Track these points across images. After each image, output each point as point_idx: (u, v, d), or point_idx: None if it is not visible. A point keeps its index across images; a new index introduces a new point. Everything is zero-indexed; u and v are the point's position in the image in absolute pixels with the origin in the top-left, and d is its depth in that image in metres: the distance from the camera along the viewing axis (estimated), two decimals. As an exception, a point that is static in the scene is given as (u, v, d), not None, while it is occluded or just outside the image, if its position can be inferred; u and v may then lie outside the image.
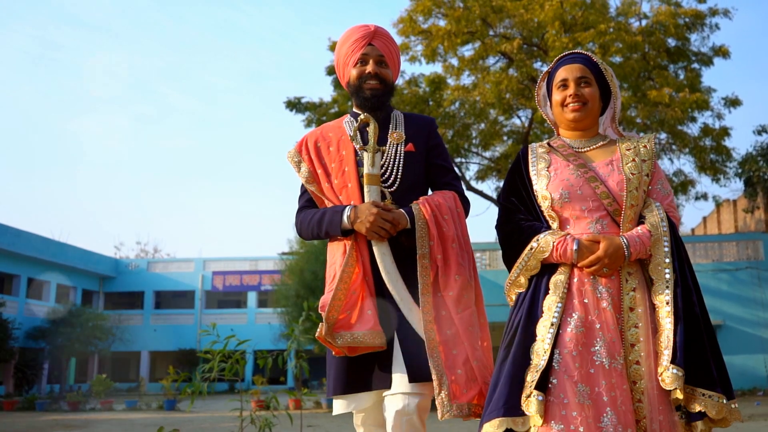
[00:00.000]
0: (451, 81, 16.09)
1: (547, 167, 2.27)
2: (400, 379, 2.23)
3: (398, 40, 15.80)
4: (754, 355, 19.15)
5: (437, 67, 16.17)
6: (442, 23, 15.44)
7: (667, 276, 2.05)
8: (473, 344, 2.24)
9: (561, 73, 2.32)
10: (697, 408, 1.95)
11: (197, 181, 66.80)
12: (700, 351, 2.00)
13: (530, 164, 2.32)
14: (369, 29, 2.48)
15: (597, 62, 2.34)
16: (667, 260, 2.08)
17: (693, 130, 15.17)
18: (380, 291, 2.33)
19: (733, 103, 15.05)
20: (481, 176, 17.92)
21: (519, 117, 17.15)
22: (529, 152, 2.37)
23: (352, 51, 2.47)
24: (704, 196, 17.15)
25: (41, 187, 63.58)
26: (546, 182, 2.24)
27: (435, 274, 2.29)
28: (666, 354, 1.96)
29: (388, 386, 2.25)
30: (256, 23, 70.51)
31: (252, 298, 32.98)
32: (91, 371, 31.69)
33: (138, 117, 64.61)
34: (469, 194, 17.18)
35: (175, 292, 34.34)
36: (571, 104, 2.28)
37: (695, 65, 15.37)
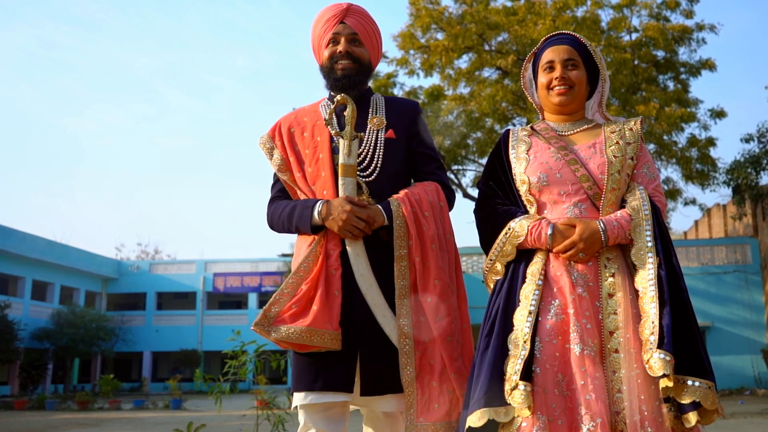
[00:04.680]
0: (448, 92, 16.66)
1: (527, 150, 2.17)
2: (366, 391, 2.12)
3: (398, 54, 16.42)
4: (742, 356, 19.74)
5: (435, 79, 16.69)
6: (440, 36, 16.03)
7: (650, 260, 1.94)
8: (451, 355, 2.10)
9: (547, 55, 2.20)
10: (688, 399, 1.82)
11: (198, 181, 67.21)
12: (689, 337, 1.88)
13: (510, 148, 2.23)
14: (341, 7, 2.33)
15: (585, 44, 2.22)
16: (650, 244, 1.96)
17: (681, 139, 15.80)
18: (350, 289, 2.15)
19: (718, 114, 15.68)
20: (478, 183, 18.43)
21: (514, 125, 17.71)
22: (510, 136, 2.27)
23: (324, 31, 2.33)
24: (693, 201, 17.72)
25: (41, 189, 63.96)
26: (525, 165, 2.14)
27: (414, 277, 2.13)
28: (651, 339, 1.84)
29: (346, 390, 2.09)
30: (255, 23, 70.92)
31: (253, 299, 33.39)
32: (94, 371, 32.13)
33: (137, 116, 65.00)
34: (465, 201, 17.84)
35: (177, 294, 34.74)
36: (557, 87, 2.17)
37: (683, 76, 16.01)
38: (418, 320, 2.11)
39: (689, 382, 1.83)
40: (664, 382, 1.81)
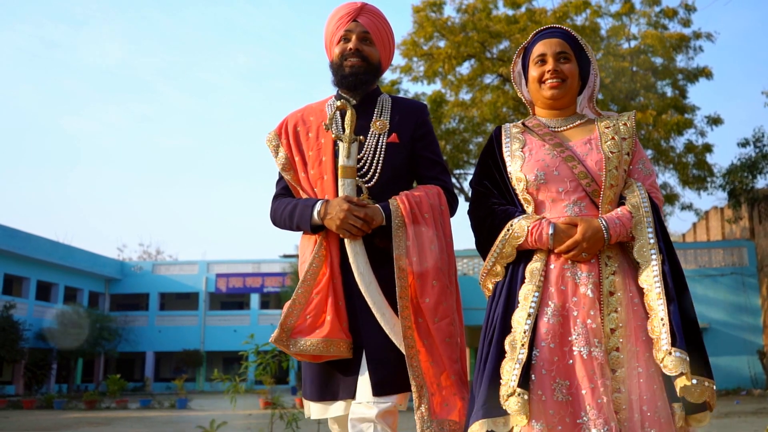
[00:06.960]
0: (450, 98, 16.98)
1: (522, 148, 2.12)
2: (364, 390, 2.08)
3: (401, 61, 16.73)
4: (739, 357, 20.02)
5: (438, 85, 17.03)
6: (442, 44, 16.35)
7: (654, 257, 1.92)
8: (451, 357, 2.08)
9: (539, 48, 2.16)
10: (701, 399, 1.81)
11: (199, 182, 67.42)
12: (696, 335, 1.87)
13: (504, 145, 2.17)
14: (355, 5, 2.33)
15: (576, 37, 2.19)
16: (652, 241, 1.94)
17: (678, 144, 16.13)
18: (350, 294, 2.16)
19: (714, 121, 16.01)
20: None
21: (515, 130, 18.01)
22: (503, 133, 2.21)
23: (337, 28, 2.33)
24: (690, 206, 18.02)
25: (41, 188, 64.10)
26: (520, 163, 2.09)
27: (412, 277, 2.10)
28: (664, 338, 1.81)
29: (354, 396, 2.11)
30: (255, 22, 71.20)
31: (255, 299, 33.64)
32: (97, 371, 32.41)
33: (137, 116, 65.14)
34: (466, 205, 17.98)
35: (179, 294, 35.00)
36: (549, 80, 2.12)
37: (681, 82, 16.35)
38: (416, 321, 2.10)
39: (705, 384, 1.81)
40: (682, 381, 1.79)
